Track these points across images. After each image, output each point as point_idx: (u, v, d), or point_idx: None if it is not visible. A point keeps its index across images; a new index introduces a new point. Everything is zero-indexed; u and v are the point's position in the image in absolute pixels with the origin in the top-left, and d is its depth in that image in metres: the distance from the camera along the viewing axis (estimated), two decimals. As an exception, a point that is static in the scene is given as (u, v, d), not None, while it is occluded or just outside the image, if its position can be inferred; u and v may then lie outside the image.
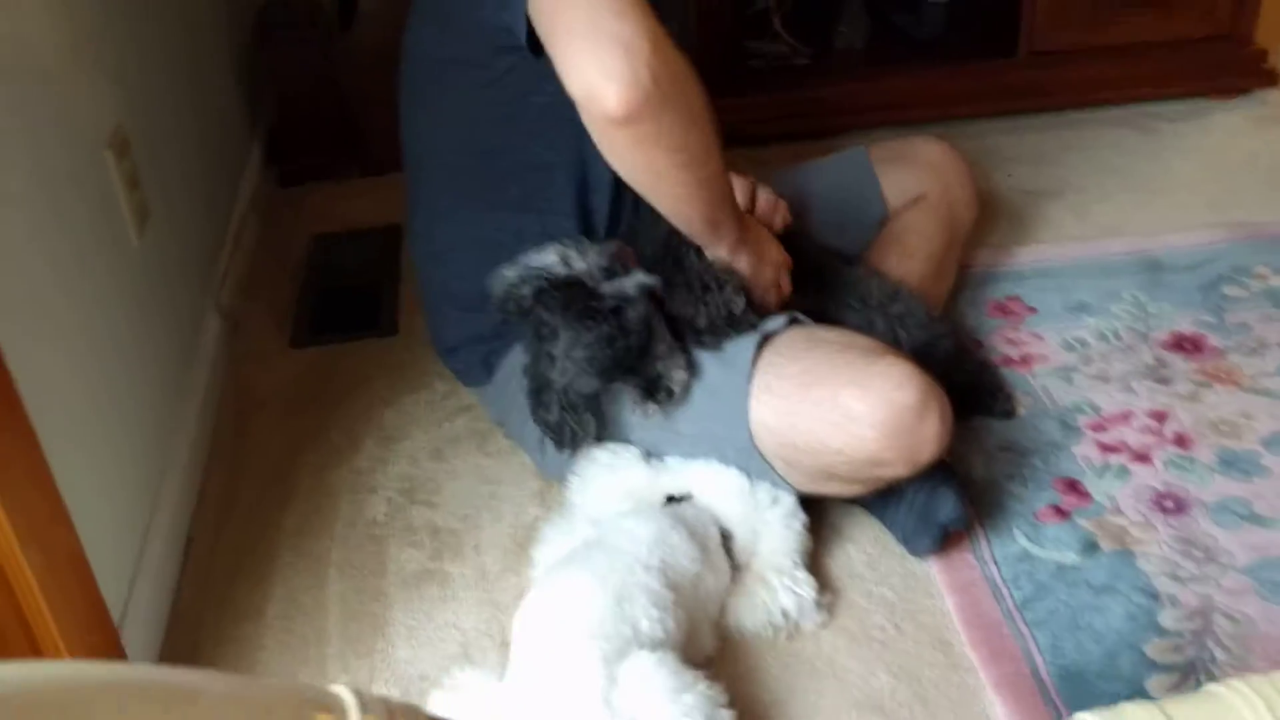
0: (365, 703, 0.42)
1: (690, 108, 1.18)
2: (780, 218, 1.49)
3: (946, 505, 1.35)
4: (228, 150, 2.04)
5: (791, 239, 1.47)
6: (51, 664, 0.40)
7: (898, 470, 1.26)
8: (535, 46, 1.20)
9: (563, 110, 1.20)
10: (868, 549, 1.40)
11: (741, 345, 1.32)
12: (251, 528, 1.47)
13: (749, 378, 1.29)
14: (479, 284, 1.42)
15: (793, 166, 1.73)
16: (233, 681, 0.42)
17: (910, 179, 1.67)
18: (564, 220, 1.39)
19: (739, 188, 1.43)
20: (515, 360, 1.45)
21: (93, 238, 1.33)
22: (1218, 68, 2.36)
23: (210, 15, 2.02)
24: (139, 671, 0.40)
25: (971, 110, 2.32)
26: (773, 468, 1.31)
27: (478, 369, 1.52)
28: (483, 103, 1.35)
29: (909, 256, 1.63)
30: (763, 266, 1.39)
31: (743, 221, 1.36)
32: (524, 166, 1.38)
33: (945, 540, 1.37)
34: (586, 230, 1.41)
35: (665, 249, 1.34)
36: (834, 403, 1.24)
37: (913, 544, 1.38)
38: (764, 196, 1.48)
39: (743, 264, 1.35)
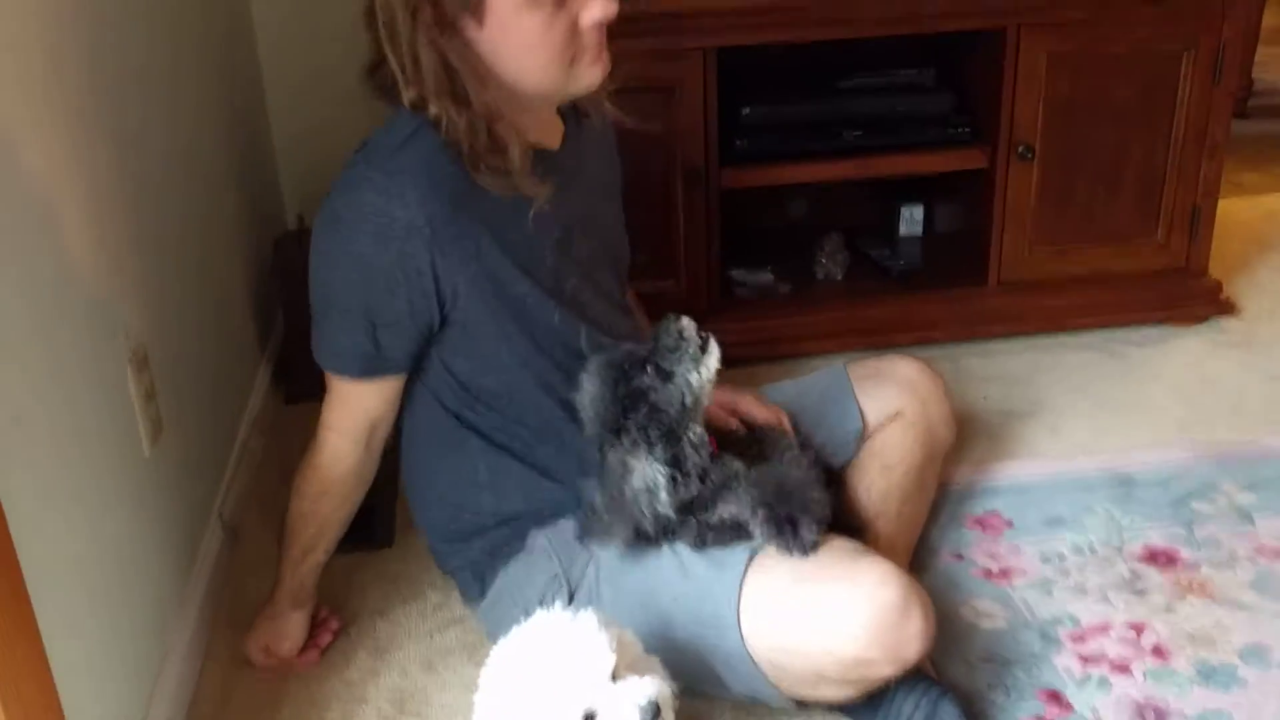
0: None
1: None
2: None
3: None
4: (238, 368, 2.13)
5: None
6: None
7: (885, 669, 1.30)
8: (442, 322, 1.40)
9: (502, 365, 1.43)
10: (855, 759, 1.41)
11: (734, 551, 1.38)
12: (242, 736, 1.48)
13: (740, 582, 1.34)
14: (461, 524, 1.53)
15: (775, 383, 1.82)
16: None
17: (888, 396, 1.74)
18: (533, 453, 1.51)
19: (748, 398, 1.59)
20: (507, 578, 1.51)
21: (107, 447, 1.39)
22: (1177, 297, 2.49)
23: (229, 241, 2.15)
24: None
25: (947, 335, 2.44)
26: (764, 674, 1.34)
27: (471, 586, 1.57)
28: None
29: (890, 469, 1.70)
30: None
31: None
32: (484, 420, 1.50)
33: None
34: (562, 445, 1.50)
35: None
36: (821, 601, 1.30)
37: None
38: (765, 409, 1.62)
39: None
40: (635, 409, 1.36)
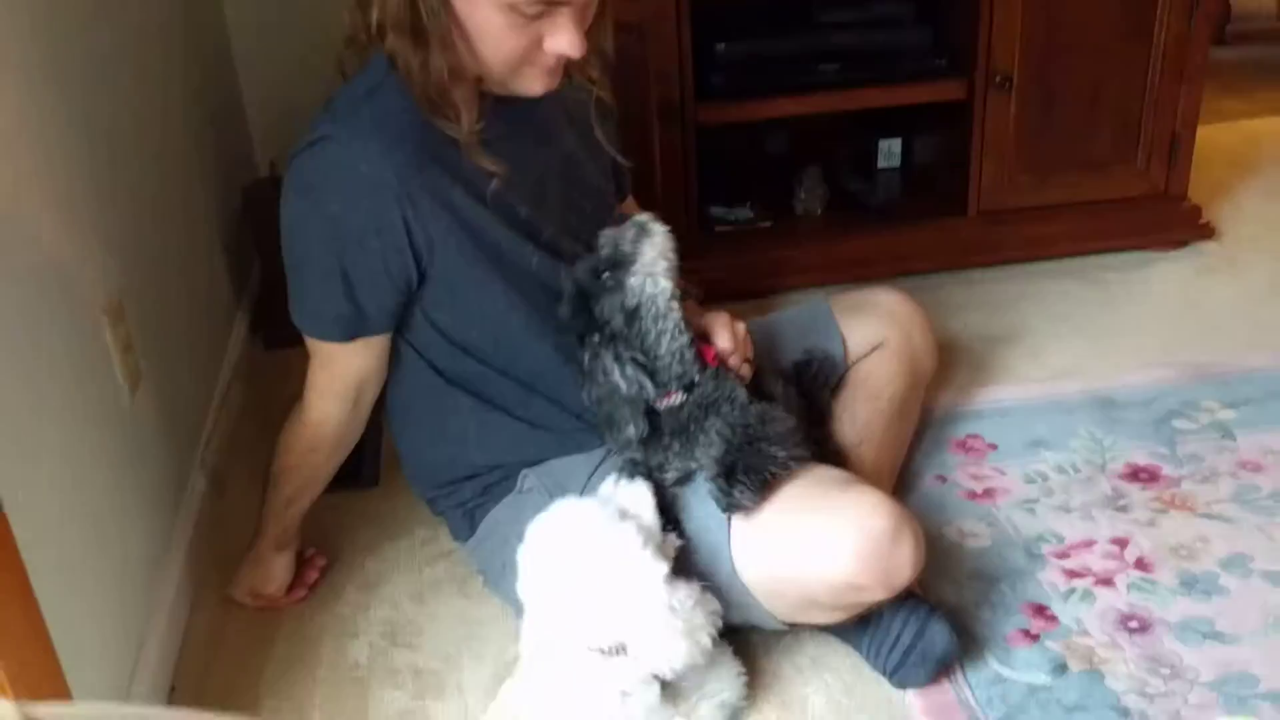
0: None
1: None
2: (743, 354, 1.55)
3: (941, 639, 1.39)
4: (215, 316, 2.12)
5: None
6: (99, 706, 0.45)
7: (876, 594, 1.30)
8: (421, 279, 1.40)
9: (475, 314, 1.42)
10: (845, 676, 1.42)
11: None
12: (234, 674, 1.48)
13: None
14: (452, 474, 1.53)
15: (758, 317, 1.81)
16: None
17: (870, 327, 1.73)
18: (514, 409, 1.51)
19: (718, 322, 1.50)
20: (498, 516, 1.51)
21: (86, 398, 1.38)
22: (1156, 223, 2.50)
23: (201, 190, 2.13)
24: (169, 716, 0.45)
25: (927, 265, 2.44)
26: (757, 599, 1.35)
27: (461, 526, 1.57)
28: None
29: (874, 398, 1.70)
30: None
31: None
32: (472, 374, 1.49)
33: (940, 672, 1.39)
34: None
35: None
36: (812, 531, 1.30)
37: (904, 676, 1.39)
38: (740, 328, 1.54)
39: None
40: (596, 318, 1.37)
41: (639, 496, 1.33)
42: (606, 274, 1.37)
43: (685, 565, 1.35)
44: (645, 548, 1.27)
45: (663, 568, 1.27)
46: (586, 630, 1.27)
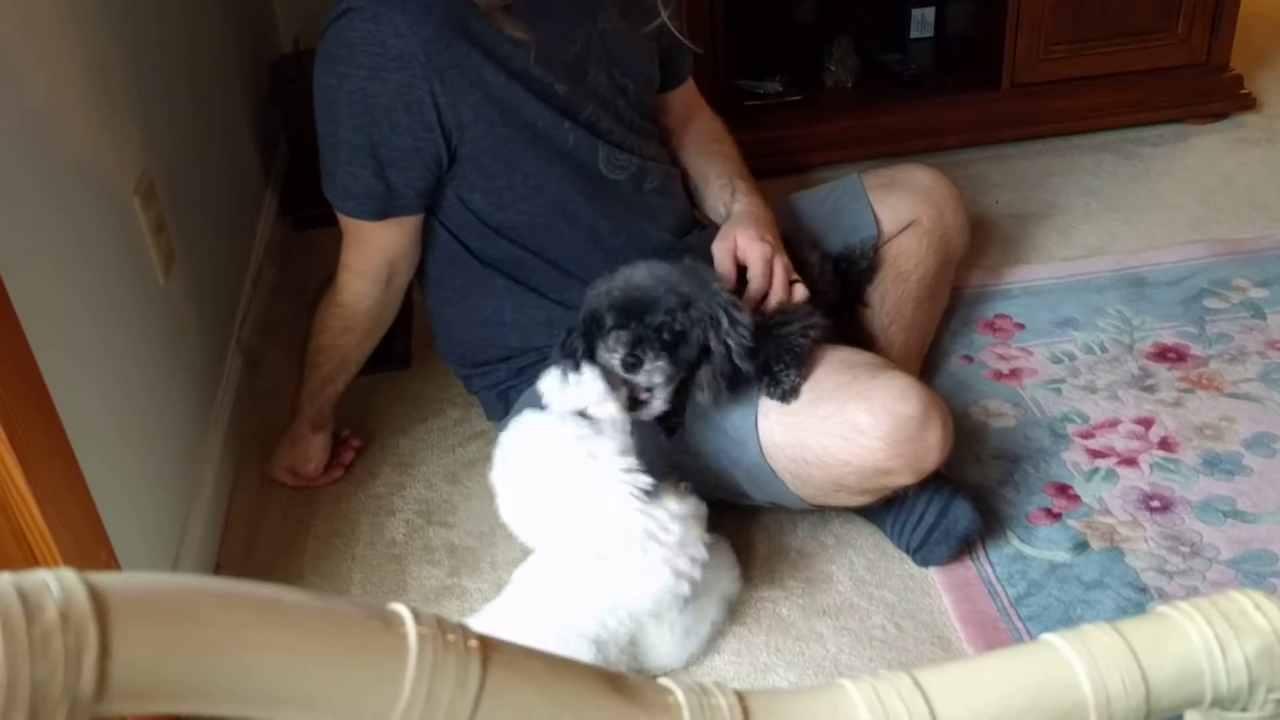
0: (419, 617, 0.49)
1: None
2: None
3: (964, 517, 1.41)
4: (245, 197, 2.12)
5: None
6: (164, 575, 0.47)
7: (903, 478, 1.32)
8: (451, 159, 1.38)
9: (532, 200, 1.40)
10: (868, 554, 1.46)
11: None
12: (275, 551, 1.54)
13: (757, 399, 1.36)
14: (487, 354, 1.54)
15: (791, 194, 1.80)
16: (306, 595, 0.48)
17: (903, 204, 1.71)
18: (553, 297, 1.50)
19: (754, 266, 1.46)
20: (530, 397, 1.52)
21: (122, 279, 1.40)
22: (1195, 94, 2.44)
23: (228, 68, 2.11)
24: (233, 584, 0.47)
25: (959, 140, 2.40)
26: (784, 482, 1.37)
27: (494, 404, 1.59)
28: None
29: (904, 278, 1.69)
30: None
31: None
32: (507, 256, 1.49)
33: (962, 550, 1.43)
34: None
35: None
36: (841, 416, 1.31)
37: (927, 554, 1.42)
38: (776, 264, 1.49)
39: None
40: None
41: (596, 394, 1.27)
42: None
43: (711, 448, 1.38)
44: (621, 469, 1.21)
45: (637, 491, 1.20)
46: (568, 548, 1.26)
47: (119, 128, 1.47)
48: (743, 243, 1.46)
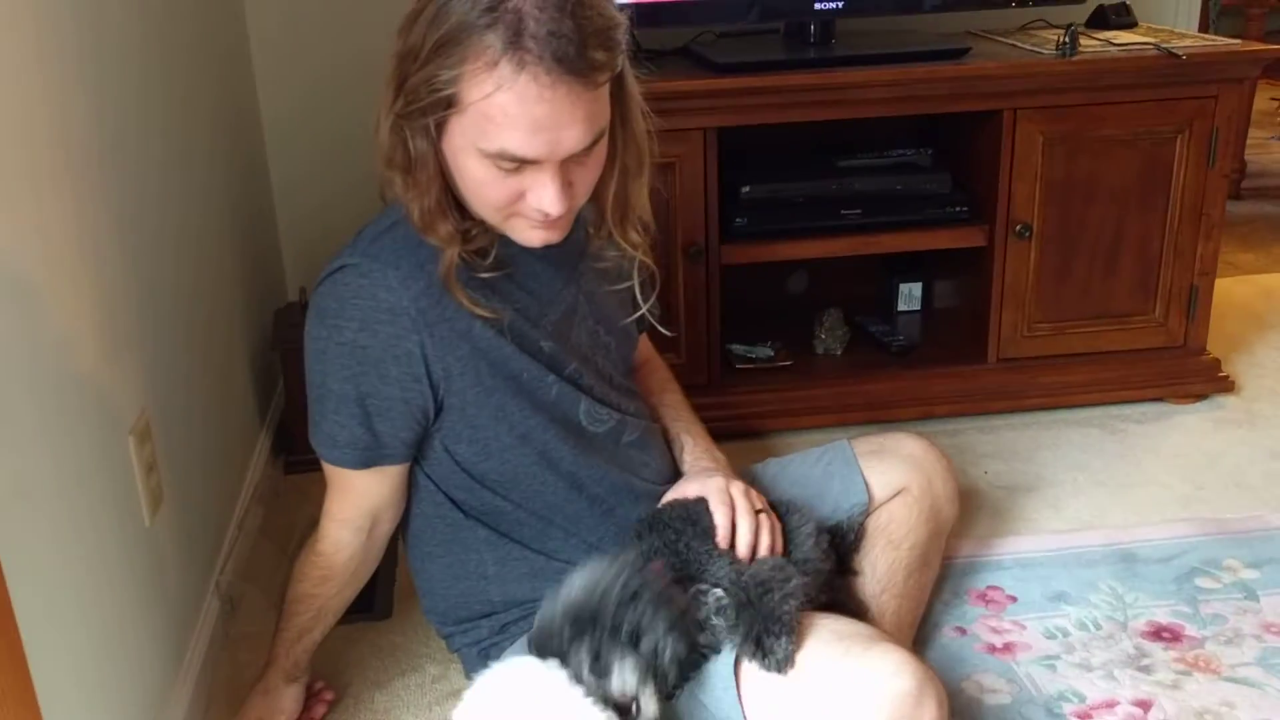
0: None
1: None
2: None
3: None
4: (239, 438, 2.13)
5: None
6: None
7: None
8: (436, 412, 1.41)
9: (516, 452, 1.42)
10: (860, 837, 1.38)
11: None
12: (237, 811, 1.45)
13: (737, 669, 1.33)
14: (469, 610, 1.53)
15: (778, 457, 1.82)
16: None
17: (893, 472, 1.72)
18: (533, 546, 1.50)
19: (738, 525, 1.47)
20: (514, 654, 1.49)
21: (107, 518, 1.38)
22: (1176, 375, 2.50)
23: (233, 312, 2.16)
24: None
25: (947, 410, 2.44)
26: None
27: (475, 662, 1.55)
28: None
29: (895, 546, 1.68)
30: None
31: None
32: (490, 508, 1.49)
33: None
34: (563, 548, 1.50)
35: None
36: (833, 692, 1.28)
37: None
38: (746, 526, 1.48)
39: None
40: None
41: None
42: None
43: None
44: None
45: None
46: None
47: (122, 366, 1.49)
48: (694, 489, 1.49)
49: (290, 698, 1.56)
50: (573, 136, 1.27)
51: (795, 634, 1.32)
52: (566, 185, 1.31)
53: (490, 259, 1.38)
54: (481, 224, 1.38)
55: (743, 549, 1.44)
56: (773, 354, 2.52)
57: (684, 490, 1.51)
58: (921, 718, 1.25)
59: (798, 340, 2.57)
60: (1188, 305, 2.45)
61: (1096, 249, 2.40)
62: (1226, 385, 2.53)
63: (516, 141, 1.25)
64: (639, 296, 1.56)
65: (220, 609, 1.79)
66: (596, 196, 1.41)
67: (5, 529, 1.04)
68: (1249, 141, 3.88)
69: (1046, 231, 2.36)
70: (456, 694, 1.63)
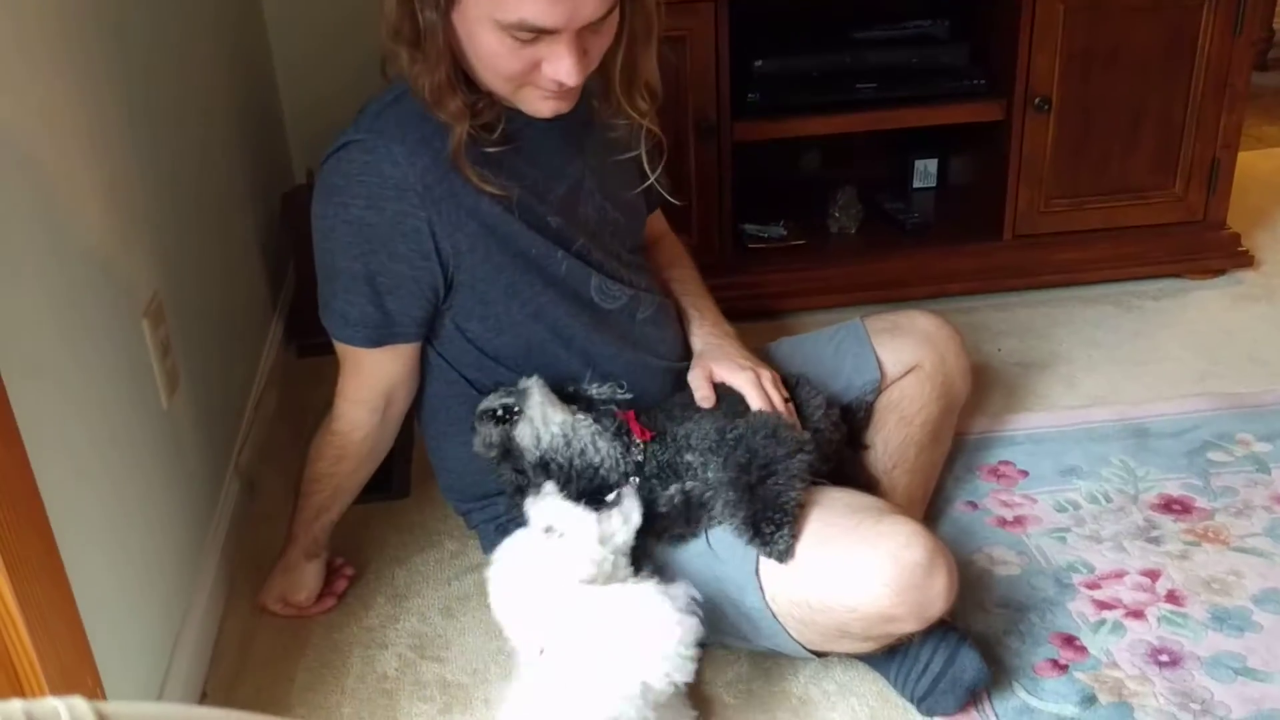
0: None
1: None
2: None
3: (972, 667, 1.38)
4: (252, 323, 2.14)
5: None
6: (169, 705, 0.46)
7: (908, 625, 1.30)
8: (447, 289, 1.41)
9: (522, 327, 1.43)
10: (871, 702, 1.42)
11: None
12: (264, 682, 1.50)
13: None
14: (484, 487, 1.53)
15: (791, 336, 1.81)
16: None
17: (906, 349, 1.72)
18: None
19: (747, 385, 1.49)
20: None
21: (125, 400, 1.39)
22: (1195, 250, 2.48)
23: (241, 196, 2.15)
24: (232, 715, 0.45)
25: (962, 288, 2.43)
26: (786, 628, 1.35)
27: (492, 538, 1.57)
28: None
29: (907, 422, 1.69)
30: None
31: None
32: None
33: (968, 701, 1.39)
34: None
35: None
36: (845, 562, 1.29)
37: (933, 704, 1.39)
38: (768, 382, 1.53)
39: None
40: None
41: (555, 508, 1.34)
42: (498, 452, 1.41)
43: (711, 592, 1.35)
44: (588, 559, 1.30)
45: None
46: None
47: (134, 248, 1.48)
48: (724, 374, 1.50)
49: (311, 573, 1.59)
50: (591, 4, 1.25)
51: (795, 524, 1.33)
52: (582, 54, 1.29)
53: (497, 133, 1.36)
54: (489, 97, 1.35)
55: None
56: (785, 233, 2.50)
57: (710, 369, 1.52)
58: (932, 588, 1.27)
59: (811, 219, 2.55)
60: (1209, 179, 2.41)
61: (1116, 122, 2.35)
62: (1246, 260, 2.50)
63: (536, 11, 1.22)
64: (646, 166, 1.53)
65: (240, 489, 1.82)
66: (603, 65, 1.38)
67: (24, 408, 1.05)
68: (1278, 9, 3.76)
69: (1065, 104, 2.31)
70: (475, 569, 1.67)
